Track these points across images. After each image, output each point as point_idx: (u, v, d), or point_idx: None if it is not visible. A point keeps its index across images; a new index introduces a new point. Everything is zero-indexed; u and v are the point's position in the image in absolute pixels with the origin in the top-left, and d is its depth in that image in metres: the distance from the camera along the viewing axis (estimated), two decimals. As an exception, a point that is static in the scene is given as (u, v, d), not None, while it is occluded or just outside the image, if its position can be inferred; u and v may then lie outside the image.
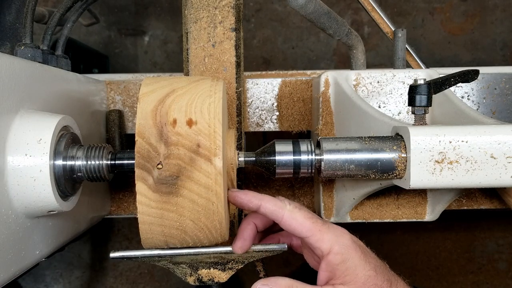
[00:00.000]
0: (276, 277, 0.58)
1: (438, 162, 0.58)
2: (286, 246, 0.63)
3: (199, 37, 0.76)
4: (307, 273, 0.62)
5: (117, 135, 0.90)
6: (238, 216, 0.81)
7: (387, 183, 0.69)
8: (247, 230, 0.62)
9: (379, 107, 0.83)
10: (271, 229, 0.68)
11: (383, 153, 0.61)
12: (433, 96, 0.64)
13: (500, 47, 1.73)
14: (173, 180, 0.52)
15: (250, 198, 0.58)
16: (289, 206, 0.57)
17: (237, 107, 0.78)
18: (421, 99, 0.63)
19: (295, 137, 0.86)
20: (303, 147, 0.62)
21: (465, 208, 0.94)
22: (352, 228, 0.62)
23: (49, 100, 0.65)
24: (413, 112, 0.65)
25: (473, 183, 0.59)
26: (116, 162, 0.62)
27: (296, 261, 1.64)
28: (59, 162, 0.58)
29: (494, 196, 0.93)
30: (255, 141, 1.36)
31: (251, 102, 0.92)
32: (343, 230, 0.58)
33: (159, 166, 0.52)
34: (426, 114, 0.64)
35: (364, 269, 0.56)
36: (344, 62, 1.75)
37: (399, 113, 0.83)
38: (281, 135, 0.97)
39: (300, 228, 0.56)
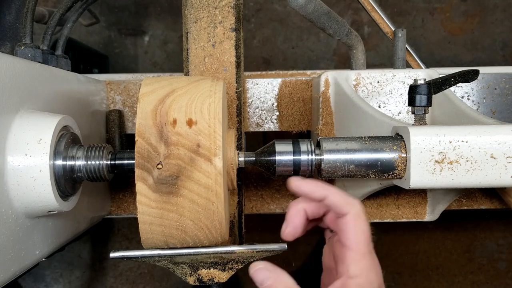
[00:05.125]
0: (282, 271, 0.53)
1: (438, 162, 0.58)
2: (286, 246, 0.63)
3: (199, 37, 0.76)
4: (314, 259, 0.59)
5: (117, 135, 0.90)
6: (238, 216, 0.81)
7: (387, 183, 0.69)
8: (298, 217, 0.56)
9: (379, 107, 0.83)
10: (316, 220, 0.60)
11: (383, 153, 0.61)
12: (433, 96, 0.64)
13: (500, 47, 1.73)
14: (173, 180, 0.52)
15: (314, 189, 0.54)
16: (358, 206, 0.53)
17: (237, 107, 0.78)
18: (421, 99, 0.63)
19: (295, 137, 0.86)
20: (303, 147, 0.62)
21: (465, 208, 0.94)
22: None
23: (49, 100, 0.65)
24: (413, 112, 0.65)
25: (473, 183, 0.59)
26: (116, 162, 0.62)
27: (297, 261, 1.64)
28: (59, 162, 0.58)
29: (494, 196, 0.93)
30: (255, 141, 1.36)
31: (251, 102, 0.92)
32: (379, 270, 0.52)
33: (159, 166, 0.52)
34: (426, 114, 0.64)
35: None
36: (344, 62, 1.75)
37: (399, 113, 0.83)
38: (281, 135, 0.96)
39: (353, 238, 0.53)
